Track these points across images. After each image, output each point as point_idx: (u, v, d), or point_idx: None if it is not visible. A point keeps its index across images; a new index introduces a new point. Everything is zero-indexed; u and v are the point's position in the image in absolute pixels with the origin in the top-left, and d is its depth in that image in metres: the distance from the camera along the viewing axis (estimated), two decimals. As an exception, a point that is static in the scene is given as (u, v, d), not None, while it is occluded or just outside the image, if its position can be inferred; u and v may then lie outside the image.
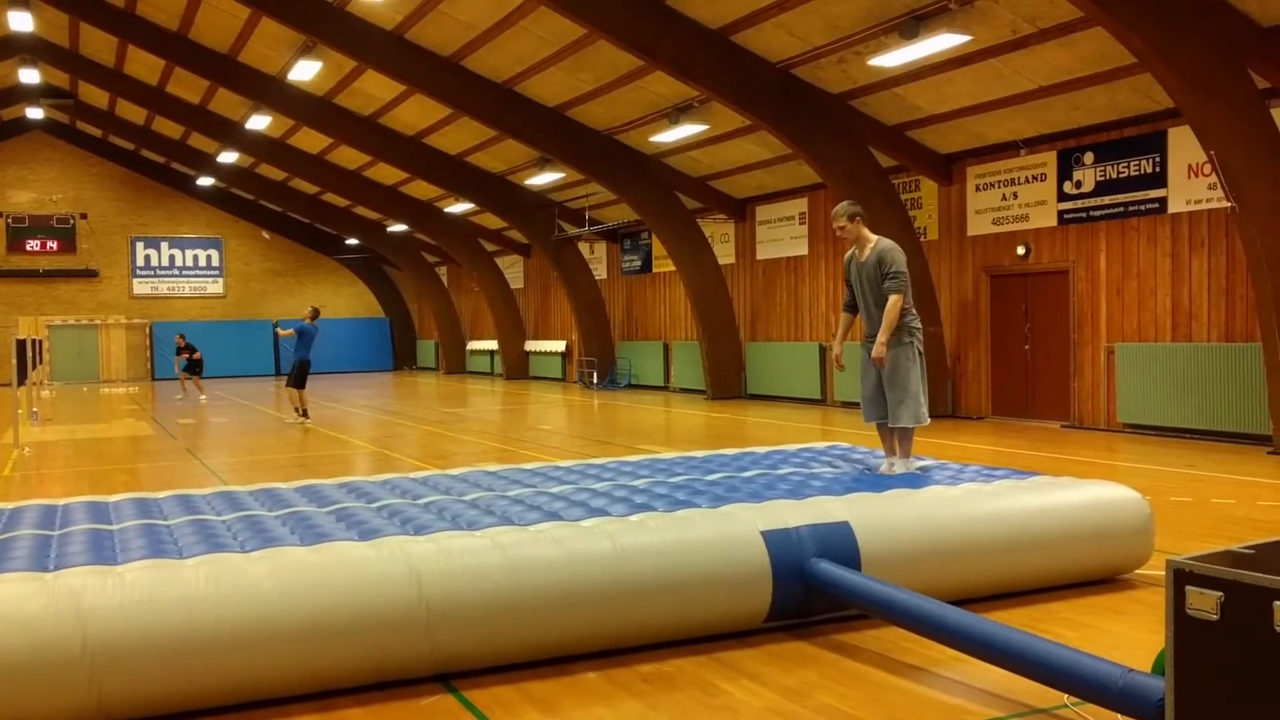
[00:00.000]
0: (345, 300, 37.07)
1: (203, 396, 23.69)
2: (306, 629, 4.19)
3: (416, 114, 21.55)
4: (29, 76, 25.40)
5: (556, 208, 24.99)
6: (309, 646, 4.21)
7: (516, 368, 29.54)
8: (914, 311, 6.59)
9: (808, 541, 5.02)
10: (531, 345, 29.50)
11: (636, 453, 7.70)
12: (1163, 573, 3.08)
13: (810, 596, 4.99)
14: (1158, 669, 3.44)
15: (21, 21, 19.93)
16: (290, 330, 17.26)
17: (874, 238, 6.67)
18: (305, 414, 16.93)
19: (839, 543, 5.07)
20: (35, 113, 31.00)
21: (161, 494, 6.22)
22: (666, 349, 23.44)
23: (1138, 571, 5.88)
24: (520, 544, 4.71)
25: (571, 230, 25.13)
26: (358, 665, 4.31)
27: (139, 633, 3.95)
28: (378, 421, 17.31)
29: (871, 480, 6.26)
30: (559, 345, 28.10)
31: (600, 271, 26.00)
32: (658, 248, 23.31)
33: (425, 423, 17.14)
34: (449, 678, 4.47)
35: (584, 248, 26.05)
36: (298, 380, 16.92)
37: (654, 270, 24.04)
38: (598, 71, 16.77)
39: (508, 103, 18.74)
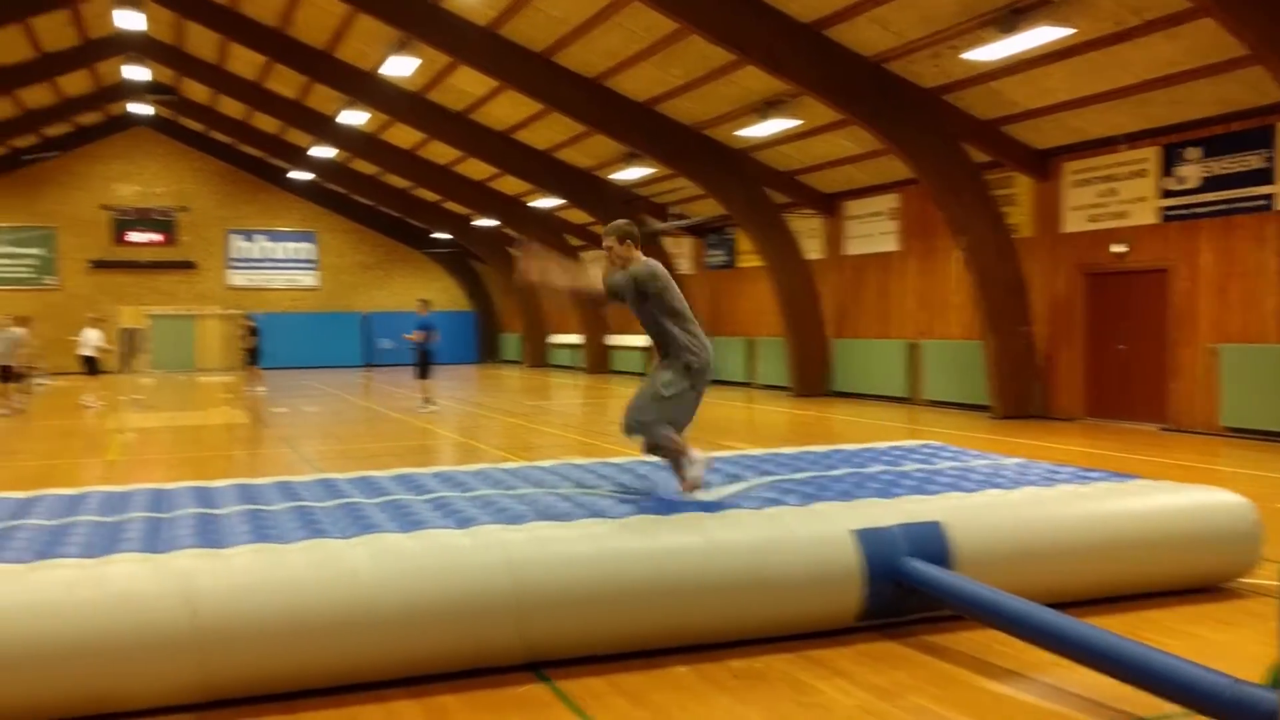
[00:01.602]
0: (432, 294, 37.56)
1: (259, 388, 23.22)
2: (404, 614, 4.28)
3: (507, 109, 21.77)
4: (136, 73, 26.22)
5: (642, 202, 25.06)
6: (406, 631, 4.30)
7: (598, 362, 29.69)
8: (695, 344, 5.66)
9: (899, 541, 4.97)
10: (613, 339, 29.63)
11: (720, 449, 7.69)
12: (1272, 582, 2.99)
13: (902, 596, 4.94)
14: (1273, 681, 3.33)
15: (132, 20, 20.57)
16: (417, 334, 17.64)
17: (643, 260, 5.82)
18: (431, 402, 17.52)
19: (931, 543, 5.01)
20: (140, 109, 31.98)
21: (263, 480, 6.39)
22: (751, 344, 23.35)
23: (1244, 580, 5.70)
24: (611, 536, 4.76)
25: (657, 224, 25.17)
26: (452, 651, 4.39)
27: (245, 615, 4.07)
28: (464, 413, 17.56)
29: (960, 479, 6.15)
30: (641, 340, 28.18)
31: (685, 266, 26.00)
32: (742, 242, 23.24)
33: (510, 415, 17.34)
34: (541, 667, 4.52)
35: (669, 243, 26.07)
36: (423, 370, 17.58)
37: (738, 265, 23.97)
38: (688, 66, 16.76)
39: (597, 98, 18.84)
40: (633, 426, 5.70)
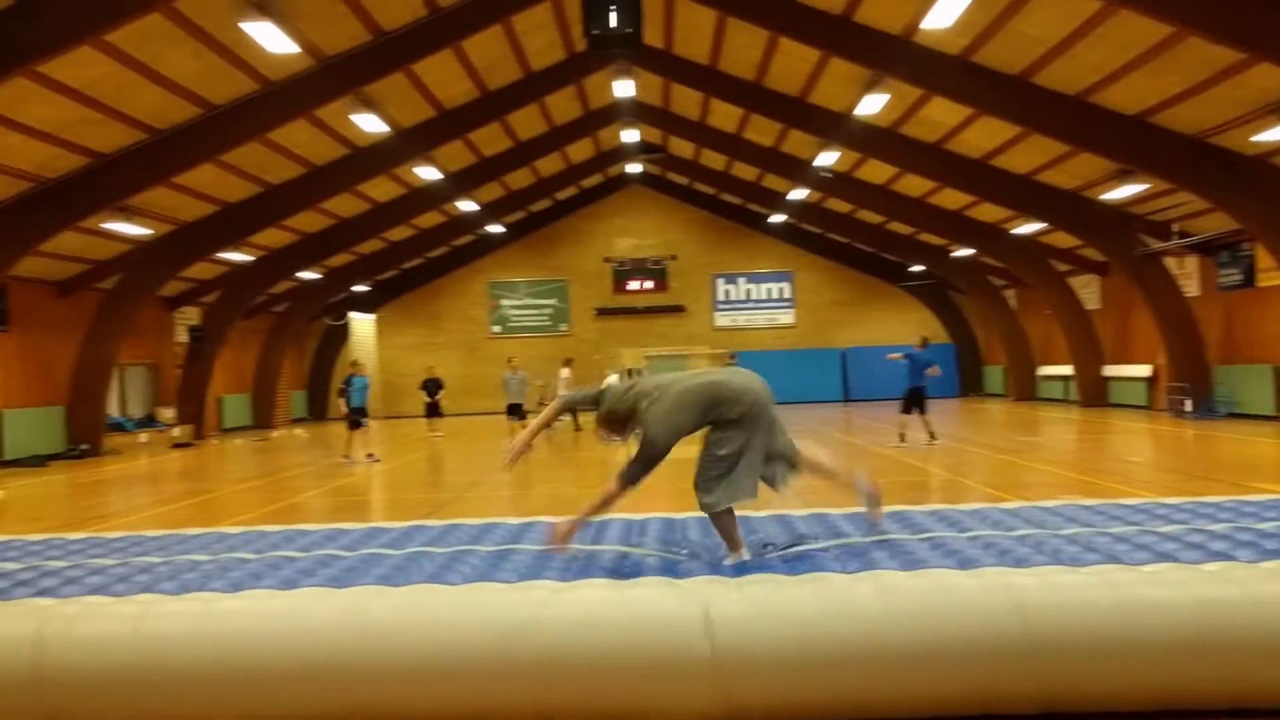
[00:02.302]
0: (910, 327, 37.27)
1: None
2: (908, 652, 4.25)
3: (983, 136, 21.18)
4: (629, 136, 28.75)
5: (1138, 221, 23.17)
6: (910, 670, 4.26)
7: (1093, 394, 27.74)
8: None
9: None
10: (1110, 370, 27.55)
11: (1249, 491, 6.85)
12: None
13: None
14: None
15: (625, 89, 22.65)
16: (900, 355, 17.73)
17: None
18: (933, 436, 17.31)
19: None
20: (633, 168, 34.99)
21: (760, 513, 6.65)
22: (1278, 373, 20.68)
23: None
24: (1132, 584, 4.40)
25: (1156, 244, 23.15)
26: (957, 694, 4.28)
27: (760, 642, 4.25)
28: (949, 449, 17.14)
29: None
30: (1143, 370, 25.94)
31: (1191, 288, 23.62)
32: (1263, 258, 20.68)
33: (999, 451, 16.68)
34: (1055, 718, 4.27)
35: (1170, 263, 23.84)
36: (912, 405, 17.45)
37: (1258, 284, 21.35)
38: (1186, 72, 15.33)
39: (1081, 115, 17.77)
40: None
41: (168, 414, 27.87)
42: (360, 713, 4.36)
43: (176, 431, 26.31)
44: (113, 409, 26.34)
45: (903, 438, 17.50)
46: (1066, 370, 29.58)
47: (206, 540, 6.35)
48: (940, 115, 20.74)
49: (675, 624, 4.31)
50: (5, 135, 15.57)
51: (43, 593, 4.84)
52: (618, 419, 5.46)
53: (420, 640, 4.34)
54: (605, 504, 5.36)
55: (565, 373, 24.03)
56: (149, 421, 27.86)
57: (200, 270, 26.44)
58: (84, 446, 22.63)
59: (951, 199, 26.64)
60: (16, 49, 12.81)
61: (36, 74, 14.01)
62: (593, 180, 36.14)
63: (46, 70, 14.05)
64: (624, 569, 5.04)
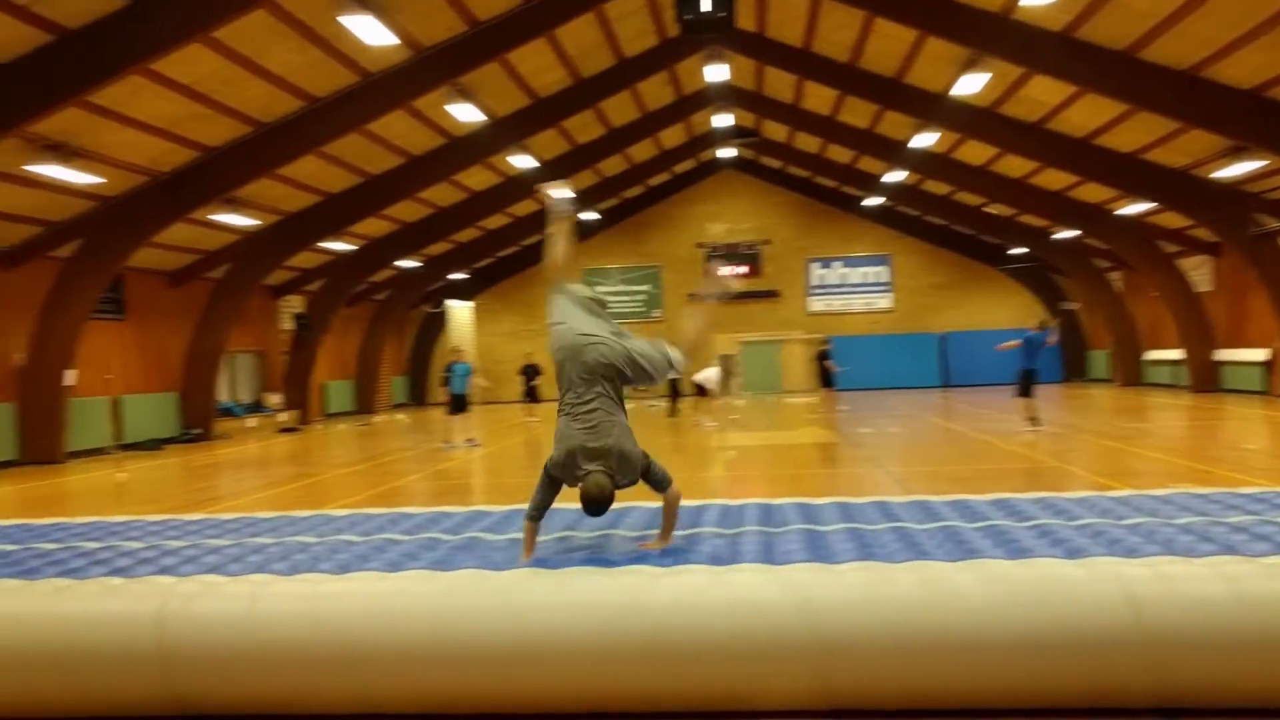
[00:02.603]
0: (1010, 311, 36.51)
1: (839, 409, 24.38)
2: (1014, 642, 4.18)
3: (1086, 114, 20.57)
4: (722, 121, 28.61)
5: (1252, 200, 22.29)
6: (1015, 660, 4.19)
7: (1204, 379, 26.81)
8: None
9: None
10: (1223, 354, 26.60)
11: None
12: None
13: None
14: None
15: (718, 73, 22.54)
16: (1014, 341, 17.20)
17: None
18: (1037, 422, 16.93)
19: None
20: (726, 152, 34.81)
21: (860, 499, 6.60)
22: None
23: None
24: (1251, 577, 4.26)
25: (1272, 224, 22.25)
26: (1065, 686, 4.20)
27: (860, 628, 4.22)
28: (1053, 435, 16.75)
29: None
30: (1259, 354, 24.99)
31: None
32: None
33: (1104, 437, 16.24)
34: (1173, 713, 4.16)
35: (1287, 243, 22.90)
36: (1025, 389, 17.03)
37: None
38: (1307, 40, 14.70)
39: (1191, 91, 17.14)
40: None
41: (274, 399, 28.69)
42: (463, 695, 4.45)
43: (283, 416, 27.09)
44: (222, 395, 27.19)
45: (1035, 420, 16.96)
46: (1175, 354, 28.65)
47: (314, 523, 6.53)
48: (1041, 94, 20.21)
49: (775, 609, 4.31)
50: (121, 131, 16.15)
51: (163, 571, 5.03)
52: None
53: (521, 624, 4.41)
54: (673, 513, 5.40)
55: (714, 371, 23.71)
56: (256, 407, 28.71)
57: (304, 259, 27.10)
58: (196, 431, 23.43)
59: (1053, 179, 25.96)
60: (131, 48, 13.26)
61: (149, 71, 14.48)
62: (685, 166, 36.07)
63: (158, 67, 14.51)
64: (722, 555, 5.05)
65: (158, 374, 23.69)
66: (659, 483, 5.26)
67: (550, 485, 5.23)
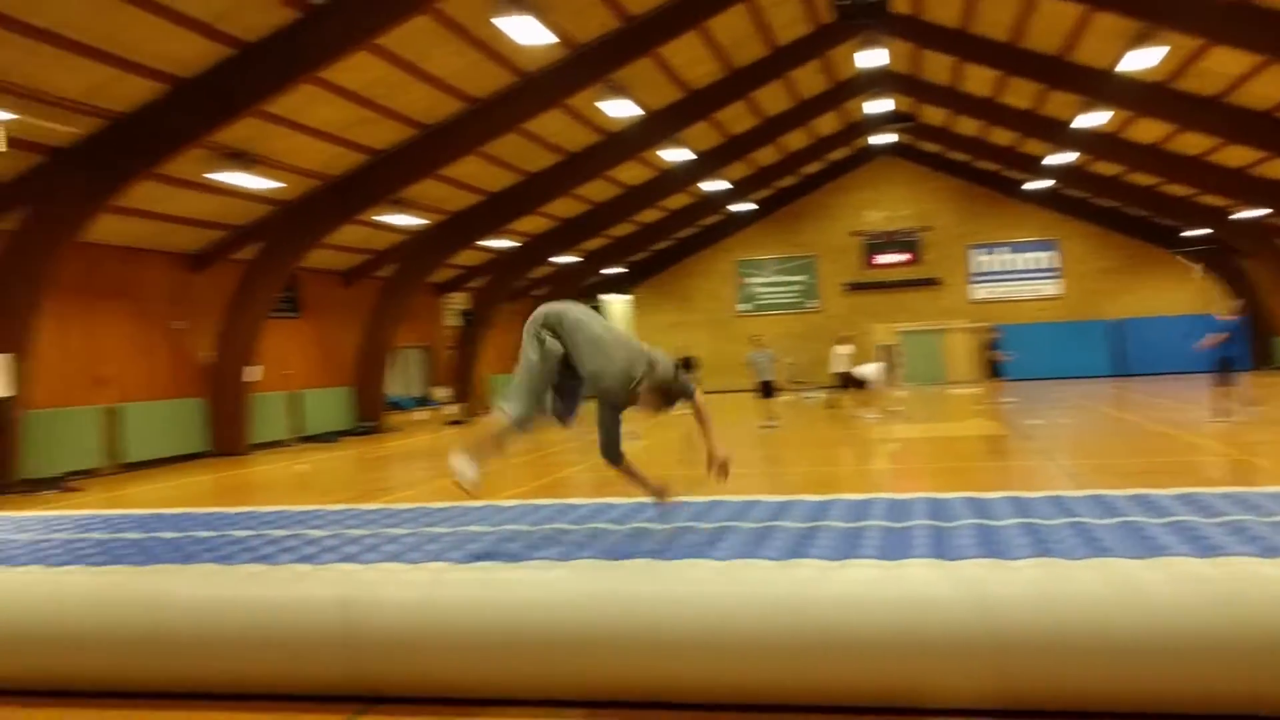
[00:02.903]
0: (1185, 296, 34.73)
1: (1007, 399, 23.78)
2: (1205, 643, 3.99)
3: (1272, 85, 19.37)
4: (878, 106, 28.09)
5: None
6: (1206, 664, 4.00)
7: None
8: None
9: None
10: None
11: None
12: None
13: None
14: None
15: (873, 59, 22.13)
16: (1220, 335, 16.27)
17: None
18: (1231, 412, 16.14)
19: None
20: (883, 139, 34.17)
21: (1033, 494, 6.39)
22: None
23: None
24: None
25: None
26: (1258, 691, 3.99)
27: (1039, 627, 4.10)
28: (1241, 425, 15.85)
29: None
30: None
31: None
32: None
33: (1294, 428, 15.30)
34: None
35: None
36: (1224, 377, 16.27)
37: None
38: None
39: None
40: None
41: (441, 393, 29.64)
42: (632, 683, 4.52)
43: (449, 409, 27.97)
44: (392, 389, 28.25)
45: (1229, 410, 16.07)
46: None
47: (485, 513, 6.71)
48: (1221, 65, 19.14)
49: (950, 604, 4.22)
50: (294, 137, 16.93)
51: (347, 559, 5.26)
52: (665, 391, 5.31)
53: (688, 615, 4.44)
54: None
55: (842, 349, 22.82)
56: (424, 400, 29.71)
57: (467, 257, 27.89)
58: (369, 424, 24.40)
59: (1235, 156, 24.55)
60: (305, 57, 13.90)
61: (320, 79, 15.15)
62: (840, 153, 35.58)
63: (328, 76, 15.16)
64: (891, 549, 4.97)
65: (332, 369, 24.78)
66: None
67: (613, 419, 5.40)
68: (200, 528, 6.67)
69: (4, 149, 12.80)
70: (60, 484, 15.33)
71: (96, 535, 6.56)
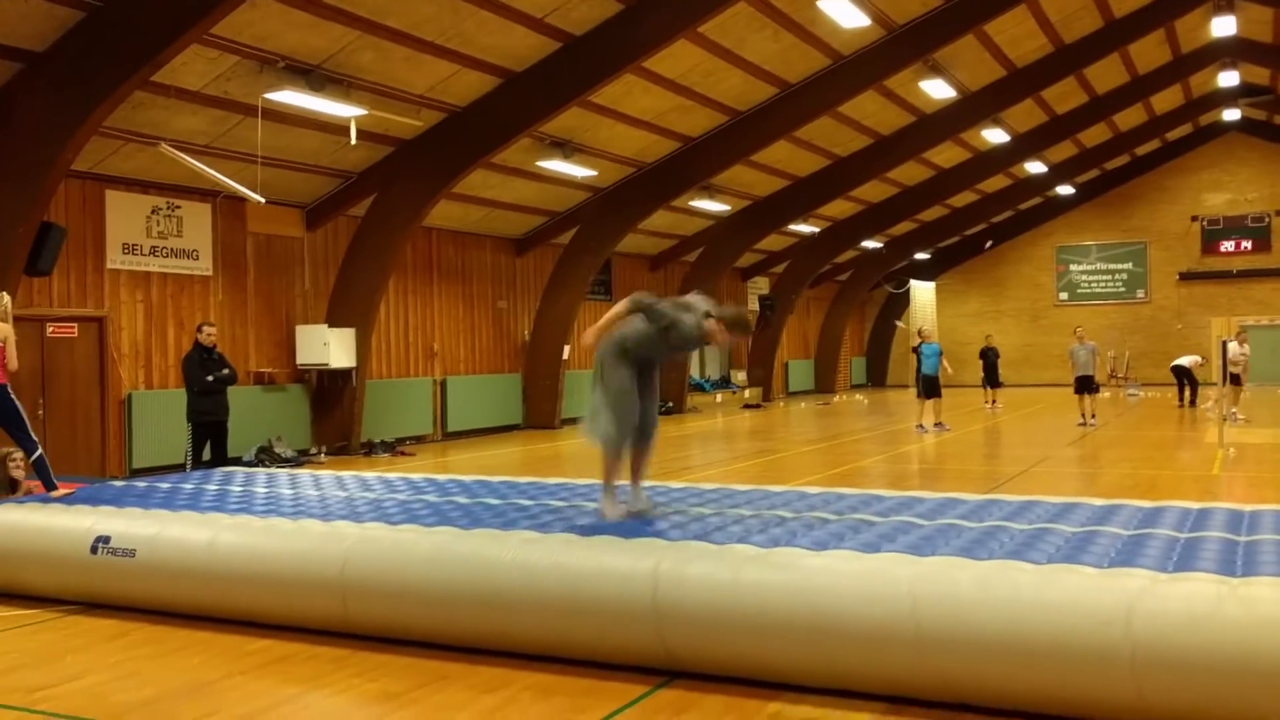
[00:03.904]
0: None
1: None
2: None
3: None
4: (1228, 79, 25.64)
5: None
6: None
7: None
8: None
9: None
10: None
11: None
12: None
13: None
14: None
15: (1225, 26, 20.21)
16: None
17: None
18: None
19: None
20: (1231, 114, 31.18)
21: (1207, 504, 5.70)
22: None
23: None
24: None
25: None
26: None
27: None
28: None
29: None
30: None
31: None
32: None
33: None
34: None
35: None
36: None
37: None
38: None
39: None
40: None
41: (740, 377, 29.97)
42: (933, 683, 4.41)
43: (747, 393, 28.25)
44: (694, 371, 28.84)
45: None
46: None
47: (788, 497, 6.74)
48: None
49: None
50: (613, 126, 17.57)
51: (661, 534, 5.43)
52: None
53: (1002, 617, 4.28)
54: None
55: (1237, 348, 19.75)
56: (724, 383, 30.14)
57: (770, 242, 27.95)
58: (669, 404, 25.04)
59: None
60: (628, 48, 14.37)
61: (641, 69, 15.60)
62: (1180, 131, 32.78)
63: (648, 65, 15.59)
64: (1229, 564, 4.56)
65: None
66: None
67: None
68: (519, 496, 7.10)
69: (354, 143, 14.08)
70: (394, 448, 16.75)
71: (429, 498, 7.14)
